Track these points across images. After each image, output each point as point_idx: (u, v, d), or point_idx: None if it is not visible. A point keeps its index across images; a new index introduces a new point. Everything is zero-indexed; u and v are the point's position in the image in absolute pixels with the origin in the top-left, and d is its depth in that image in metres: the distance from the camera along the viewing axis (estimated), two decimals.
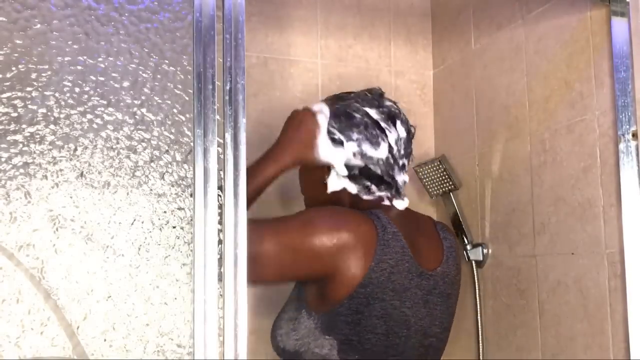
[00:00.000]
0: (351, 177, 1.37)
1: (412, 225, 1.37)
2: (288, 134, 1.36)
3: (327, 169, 1.38)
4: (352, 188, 1.38)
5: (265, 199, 1.39)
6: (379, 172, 1.36)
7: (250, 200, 1.15)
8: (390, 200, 1.39)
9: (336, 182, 1.38)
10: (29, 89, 0.94)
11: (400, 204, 1.39)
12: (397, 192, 1.39)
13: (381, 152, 1.35)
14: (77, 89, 0.97)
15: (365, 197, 1.38)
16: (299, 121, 1.36)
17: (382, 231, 1.26)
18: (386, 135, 1.36)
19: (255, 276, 1.09)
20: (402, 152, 1.39)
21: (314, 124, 1.35)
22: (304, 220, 1.28)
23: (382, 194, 1.38)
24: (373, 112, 1.37)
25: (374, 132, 1.35)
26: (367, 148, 1.34)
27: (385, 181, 1.37)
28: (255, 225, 1.14)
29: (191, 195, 0.98)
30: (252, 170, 1.29)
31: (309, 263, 1.25)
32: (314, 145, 1.34)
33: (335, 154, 1.34)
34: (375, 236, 1.25)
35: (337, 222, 1.26)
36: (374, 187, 1.37)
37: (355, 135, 1.34)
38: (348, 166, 1.36)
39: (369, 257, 1.23)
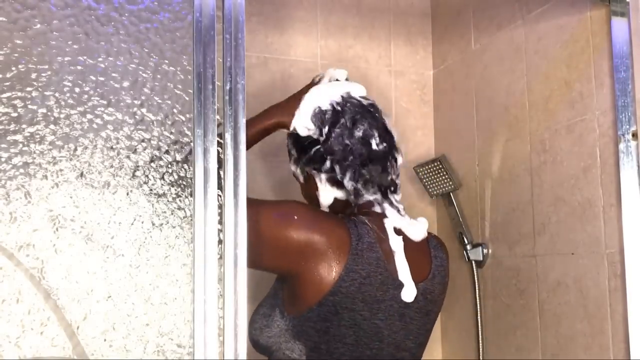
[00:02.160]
0: (337, 183, 1.35)
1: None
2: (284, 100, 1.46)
3: (314, 184, 1.37)
4: (342, 195, 1.36)
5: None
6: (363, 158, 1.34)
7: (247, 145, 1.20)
8: (382, 206, 1.35)
9: (327, 194, 1.36)
10: (29, 89, 0.94)
11: (392, 215, 1.34)
12: (387, 195, 1.36)
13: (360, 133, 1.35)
14: (77, 89, 0.97)
15: (359, 202, 1.35)
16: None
17: (356, 240, 1.24)
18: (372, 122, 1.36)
19: None
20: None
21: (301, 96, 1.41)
22: (280, 210, 1.26)
23: (372, 197, 1.34)
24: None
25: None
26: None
27: (373, 180, 1.34)
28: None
29: (191, 195, 0.98)
30: (252, 120, 1.39)
31: (274, 255, 1.24)
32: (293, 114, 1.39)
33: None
34: (348, 245, 1.24)
35: (311, 222, 1.24)
36: (362, 190, 1.34)
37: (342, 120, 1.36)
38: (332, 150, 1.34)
39: (340, 265, 1.22)
